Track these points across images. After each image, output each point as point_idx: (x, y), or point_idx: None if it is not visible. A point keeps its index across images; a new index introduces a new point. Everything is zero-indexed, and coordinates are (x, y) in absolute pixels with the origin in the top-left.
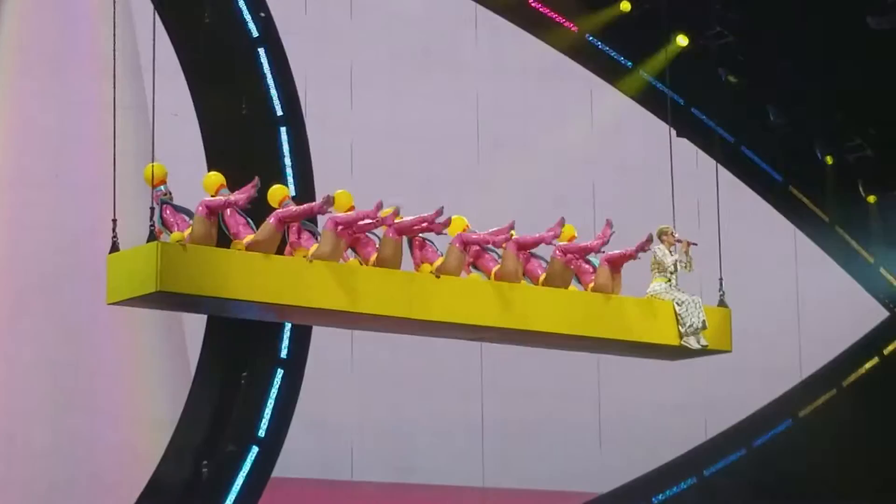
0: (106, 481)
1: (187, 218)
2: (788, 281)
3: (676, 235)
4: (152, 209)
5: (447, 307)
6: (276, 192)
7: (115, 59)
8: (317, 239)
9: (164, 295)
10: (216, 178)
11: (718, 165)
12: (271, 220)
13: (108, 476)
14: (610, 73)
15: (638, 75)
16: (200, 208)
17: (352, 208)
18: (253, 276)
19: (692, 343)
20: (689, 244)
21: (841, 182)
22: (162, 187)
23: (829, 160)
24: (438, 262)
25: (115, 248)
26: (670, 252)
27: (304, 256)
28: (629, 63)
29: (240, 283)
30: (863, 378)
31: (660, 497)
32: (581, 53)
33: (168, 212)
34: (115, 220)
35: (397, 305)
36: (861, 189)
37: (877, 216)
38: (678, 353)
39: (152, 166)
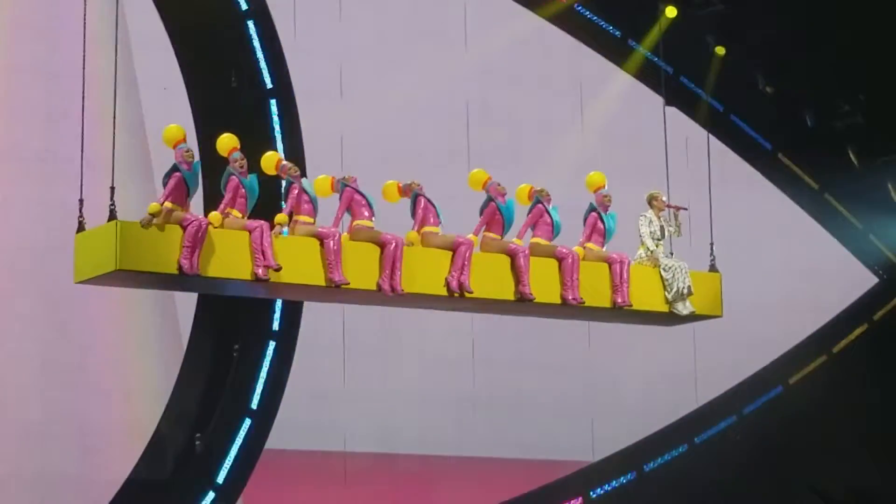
0: (99, 455)
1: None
2: (778, 248)
3: (666, 201)
4: (112, 189)
5: (429, 279)
6: (270, 160)
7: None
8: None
9: (124, 273)
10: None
11: (700, 130)
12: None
13: (101, 450)
14: (599, 42)
15: (628, 46)
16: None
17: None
18: (212, 252)
19: (680, 309)
20: (678, 209)
21: (830, 149)
22: (183, 145)
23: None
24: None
25: (81, 227)
26: (659, 218)
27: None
28: (618, 33)
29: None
30: (853, 344)
31: (651, 465)
32: (570, 23)
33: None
34: (81, 200)
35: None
36: (851, 156)
37: (866, 182)
38: (668, 319)
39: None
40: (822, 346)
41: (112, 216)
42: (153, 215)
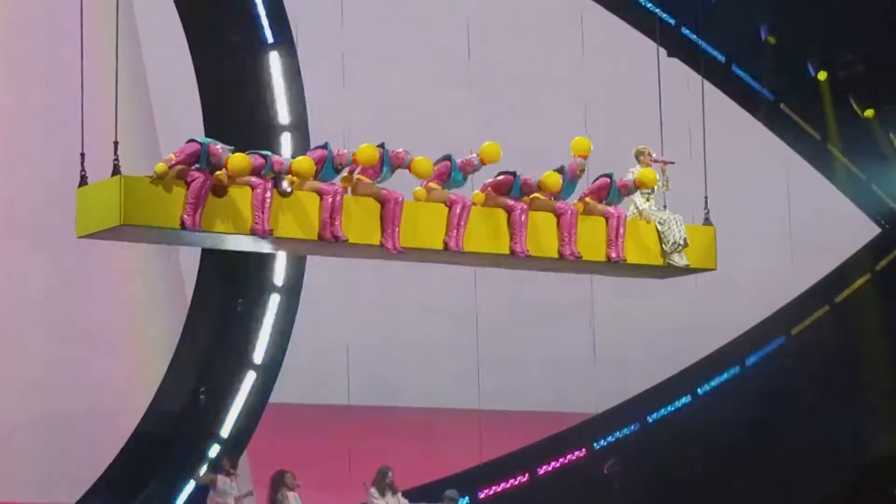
0: (104, 409)
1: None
2: (780, 199)
3: (654, 156)
4: (115, 144)
5: (429, 234)
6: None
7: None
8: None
9: (128, 228)
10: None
11: (708, 84)
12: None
13: (106, 404)
14: None
15: None
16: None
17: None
18: (215, 207)
19: (677, 260)
20: (666, 163)
21: (832, 99)
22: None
23: (822, 76)
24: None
25: (83, 181)
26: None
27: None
28: None
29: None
30: (855, 294)
31: (654, 416)
32: None
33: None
34: (83, 154)
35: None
36: (854, 105)
37: (869, 132)
38: (662, 272)
39: None
40: (825, 296)
41: (116, 171)
42: (160, 176)
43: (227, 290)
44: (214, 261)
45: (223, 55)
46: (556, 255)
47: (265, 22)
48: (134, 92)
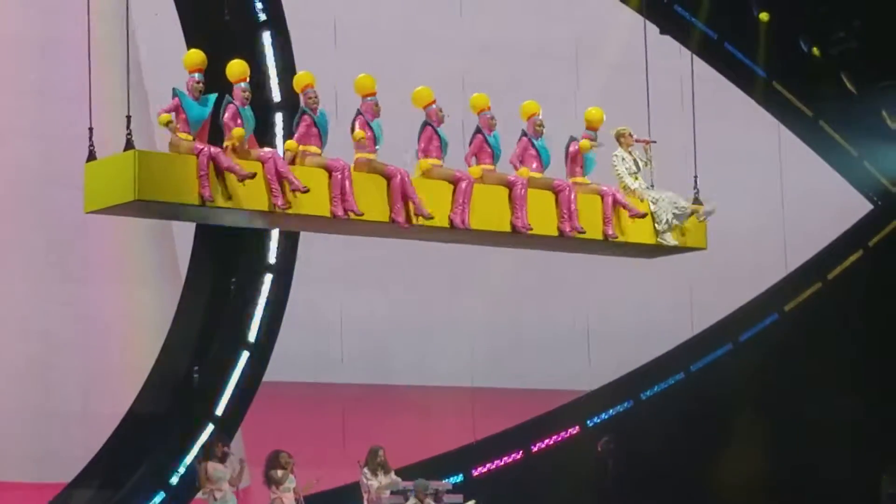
0: (97, 389)
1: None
2: (773, 176)
3: (635, 136)
4: (128, 118)
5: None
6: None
7: None
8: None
9: (142, 203)
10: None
11: (700, 61)
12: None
13: (102, 383)
14: None
15: None
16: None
17: None
18: (226, 183)
19: (668, 239)
20: (648, 143)
21: (825, 76)
22: (197, 75)
23: (815, 52)
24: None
25: (91, 156)
26: (630, 153)
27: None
28: None
29: (217, 192)
30: (848, 270)
31: (647, 393)
32: None
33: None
34: (91, 129)
35: (380, 210)
36: (846, 82)
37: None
38: (653, 251)
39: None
40: (818, 272)
41: (129, 145)
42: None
43: (221, 269)
44: (208, 240)
45: (215, 33)
46: (556, 233)
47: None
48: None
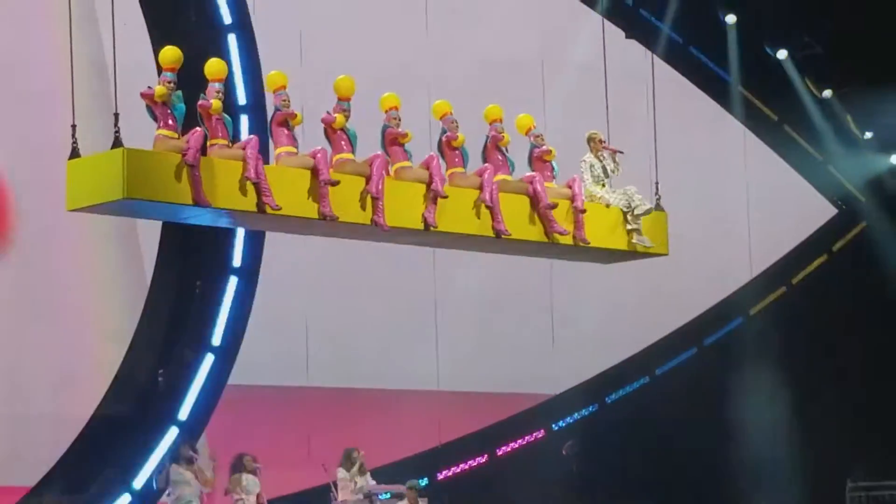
0: (65, 392)
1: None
2: (737, 179)
3: (604, 143)
4: (116, 115)
5: (399, 213)
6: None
7: None
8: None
9: (130, 202)
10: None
11: (665, 65)
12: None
13: (68, 387)
14: None
15: None
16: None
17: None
18: (219, 183)
19: (646, 242)
20: (615, 152)
21: (790, 80)
22: (169, 74)
23: (781, 55)
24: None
25: (75, 153)
26: (599, 158)
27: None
28: None
29: (207, 191)
30: (812, 275)
31: (613, 396)
32: None
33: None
34: (74, 126)
35: (350, 211)
36: (811, 87)
37: (826, 113)
38: (619, 256)
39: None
40: (782, 277)
41: (117, 143)
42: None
43: (186, 271)
44: (173, 242)
45: (181, 35)
46: (531, 236)
47: (223, 2)
48: (91, 72)
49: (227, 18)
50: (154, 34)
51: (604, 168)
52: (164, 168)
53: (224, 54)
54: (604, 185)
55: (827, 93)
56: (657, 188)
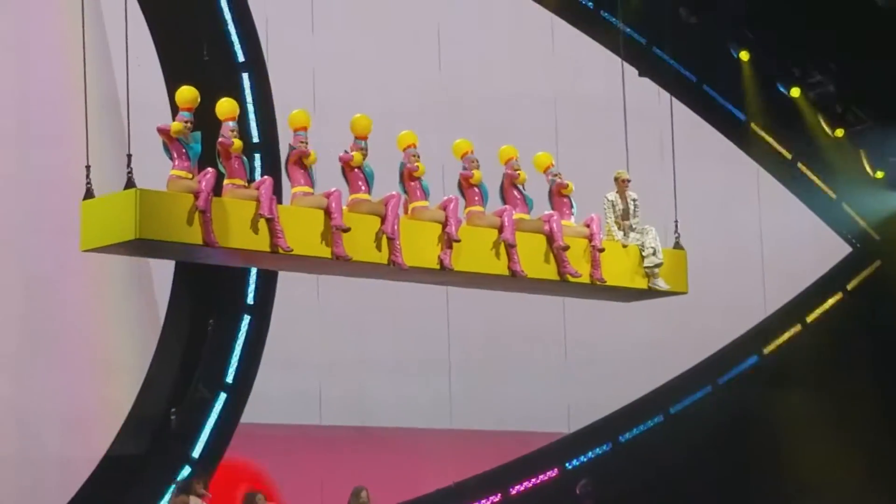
0: (76, 429)
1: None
2: (752, 218)
3: (629, 182)
4: (129, 156)
5: (415, 252)
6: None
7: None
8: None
9: (142, 242)
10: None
11: (679, 104)
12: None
13: (79, 424)
14: (571, 13)
15: (600, 17)
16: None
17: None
18: (231, 223)
19: (661, 284)
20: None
21: (803, 118)
22: (186, 114)
23: (795, 93)
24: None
25: (89, 194)
26: (624, 198)
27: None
28: (590, 4)
29: (219, 231)
30: (827, 314)
31: (627, 436)
32: None
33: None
34: (88, 167)
35: (366, 251)
36: (824, 125)
37: (839, 152)
38: (637, 295)
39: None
40: (797, 315)
41: (130, 183)
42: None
43: (199, 310)
44: (186, 281)
45: (194, 74)
46: (547, 275)
47: (236, 40)
48: (108, 111)
49: (241, 56)
50: (168, 73)
51: (625, 209)
52: (177, 209)
53: (237, 92)
54: (621, 226)
55: (839, 132)
56: (676, 226)
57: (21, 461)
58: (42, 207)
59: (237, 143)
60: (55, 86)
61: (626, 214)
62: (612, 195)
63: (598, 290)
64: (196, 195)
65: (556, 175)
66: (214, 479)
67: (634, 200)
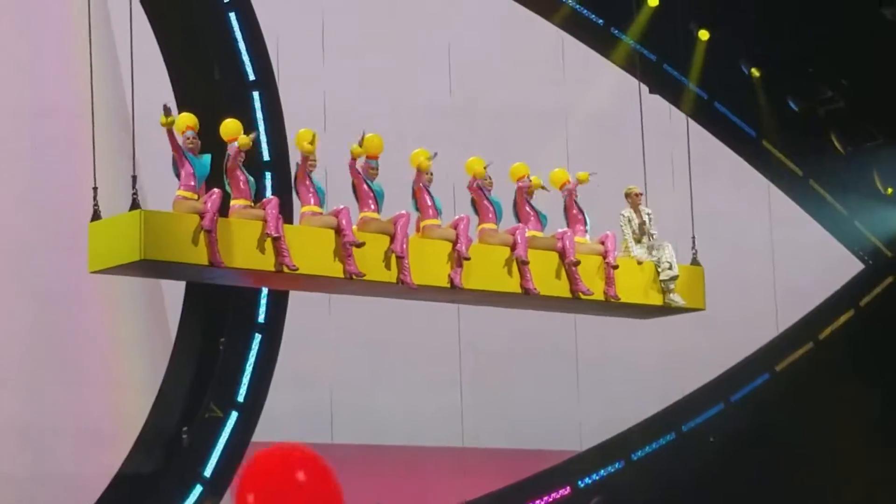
0: (88, 446)
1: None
2: (763, 235)
3: (640, 196)
4: (134, 178)
5: (427, 271)
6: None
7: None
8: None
9: (148, 263)
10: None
11: (690, 121)
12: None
13: (91, 441)
14: (581, 30)
15: (610, 34)
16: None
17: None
18: (237, 243)
19: (678, 300)
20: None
21: (814, 135)
22: (190, 133)
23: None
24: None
25: (96, 216)
26: (639, 213)
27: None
28: (600, 21)
29: (225, 251)
30: (839, 331)
31: (639, 453)
32: (552, 12)
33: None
34: (95, 189)
35: (376, 270)
36: (835, 141)
37: (851, 169)
38: (659, 311)
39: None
40: (809, 332)
41: (135, 205)
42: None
43: (210, 328)
44: (197, 300)
45: (205, 93)
46: (559, 293)
47: (247, 59)
48: (120, 129)
49: (251, 76)
50: (178, 92)
51: (640, 224)
52: (182, 229)
53: (248, 111)
54: (640, 241)
55: (850, 149)
56: (693, 243)
57: (34, 478)
58: (55, 225)
59: (243, 139)
60: (68, 103)
61: (642, 229)
62: (628, 211)
63: (612, 307)
64: (202, 215)
65: (572, 192)
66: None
67: (649, 214)
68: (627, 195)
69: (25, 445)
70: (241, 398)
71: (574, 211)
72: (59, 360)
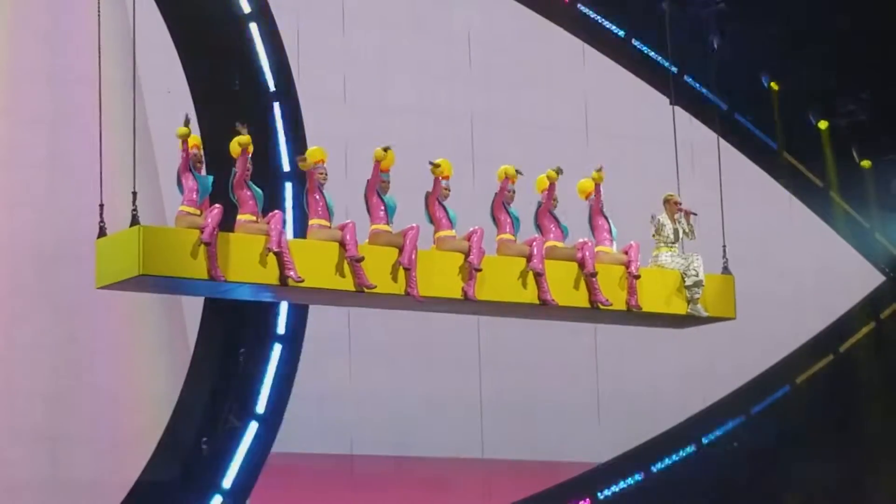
0: (108, 460)
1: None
2: (784, 247)
3: (681, 205)
4: (134, 194)
5: (440, 282)
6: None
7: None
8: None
9: (147, 278)
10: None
11: (710, 132)
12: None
13: (111, 455)
14: (602, 41)
15: (631, 45)
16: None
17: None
18: (241, 257)
19: (700, 311)
20: (689, 213)
21: (835, 147)
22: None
23: (822, 125)
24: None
25: (102, 232)
26: (674, 220)
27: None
28: (621, 32)
29: (225, 265)
30: (860, 343)
31: (659, 465)
32: (573, 22)
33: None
34: (101, 206)
35: (384, 282)
36: (855, 154)
37: (872, 181)
38: (678, 322)
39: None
40: (829, 345)
41: (134, 221)
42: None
43: (230, 338)
44: (217, 310)
45: (225, 104)
46: (579, 303)
47: (268, 70)
48: (138, 140)
49: (272, 86)
50: (198, 102)
51: (675, 231)
52: (181, 244)
53: (268, 121)
54: (671, 248)
55: (866, 163)
56: (724, 251)
57: (54, 487)
58: (74, 236)
59: (244, 137)
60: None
61: (675, 236)
62: (662, 216)
63: (634, 316)
64: (201, 230)
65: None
66: None
67: (691, 226)
68: (666, 201)
69: (46, 453)
70: (260, 409)
71: (599, 220)
72: (79, 369)
